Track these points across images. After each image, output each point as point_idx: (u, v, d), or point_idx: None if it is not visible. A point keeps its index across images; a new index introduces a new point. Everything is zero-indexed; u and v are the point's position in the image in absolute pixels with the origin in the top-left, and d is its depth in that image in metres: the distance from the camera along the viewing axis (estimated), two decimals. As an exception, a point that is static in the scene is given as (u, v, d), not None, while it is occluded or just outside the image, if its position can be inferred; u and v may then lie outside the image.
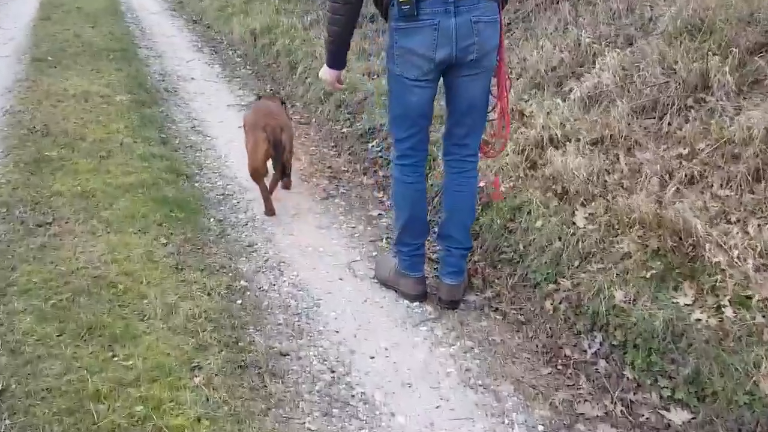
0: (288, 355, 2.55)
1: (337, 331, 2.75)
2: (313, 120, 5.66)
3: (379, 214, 3.90)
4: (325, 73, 2.93)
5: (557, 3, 5.71)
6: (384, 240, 3.58)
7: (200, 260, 3.16)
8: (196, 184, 4.21)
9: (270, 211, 3.79)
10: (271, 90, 6.81)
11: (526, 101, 4.45)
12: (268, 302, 2.92)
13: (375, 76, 5.75)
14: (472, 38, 2.49)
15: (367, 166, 4.57)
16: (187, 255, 3.19)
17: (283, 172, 3.91)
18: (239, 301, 2.88)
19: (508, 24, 5.95)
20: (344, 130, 5.21)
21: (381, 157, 4.57)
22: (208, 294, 2.85)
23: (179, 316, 2.65)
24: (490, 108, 2.81)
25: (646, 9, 4.93)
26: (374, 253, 3.43)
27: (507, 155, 3.72)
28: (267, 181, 3.79)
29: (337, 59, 2.87)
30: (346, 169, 4.65)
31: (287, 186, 4.09)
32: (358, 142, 4.92)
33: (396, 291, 3.04)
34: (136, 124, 5.09)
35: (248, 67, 7.60)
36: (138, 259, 3.06)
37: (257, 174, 3.72)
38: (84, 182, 3.90)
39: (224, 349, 2.51)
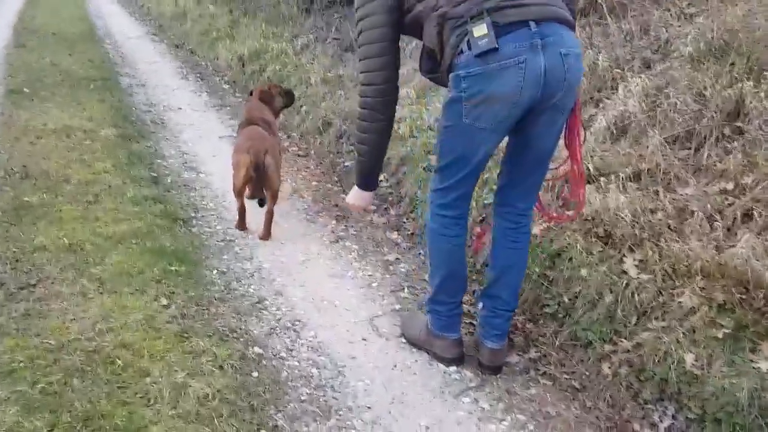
0: (317, 441, 2.22)
1: (369, 407, 2.41)
2: (312, 152, 5.34)
3: (396, 259, 3.59)
4: (355, 197, 2.68)
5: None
6: (406, 290, 3.27)
7: (207, 323, 2.82)
8: (194, 230, 3.86)
9: (241, 227, 3.89)
10: (269, 78, 6.53)
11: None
12: (288, 373, 2.58)
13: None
14: (563, 74, 2.12)
15: (377, 204, 4.25)
16: (192, 318, 2.84)
17: (263, 193, 3.78)
18: (255, 374, 2.53)
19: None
20: (347, 163, 4.90)
21: (391, 194, 4.26)
22: (220, 367, 2.50)
23: (190, 399, 2.30)
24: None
25: (662, 30, 4.69)
26: (397, 306, 3.11)
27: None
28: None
29: (369, 180, 2.62)
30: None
31: (269, 212, 3.83)
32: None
33: (428, 353, 2.71)
34: (124, 162, 4.73)
35: (237, 94, 7.29)
36: (137, 327, 2.71)
37: (238, 193, 3.78)
38: (70, 233, 3.54)
39: (245, 438, 2.17)
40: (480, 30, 2.05)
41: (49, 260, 3.25)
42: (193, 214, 4.09)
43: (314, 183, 4.79)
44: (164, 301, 2.94)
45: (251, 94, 4.38)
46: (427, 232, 2.59)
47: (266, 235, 3.78)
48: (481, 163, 2.36)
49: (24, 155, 4.76)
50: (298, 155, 5.40)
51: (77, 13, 13.31)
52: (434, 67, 2.27)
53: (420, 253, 3.62)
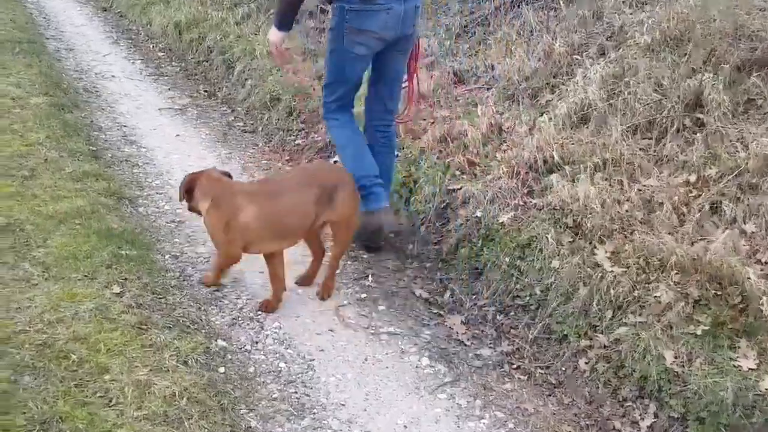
0: (294, 441, 2.12)
1: (344, 404, 2.33)
2: (260, 129, 5.14)
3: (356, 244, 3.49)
4: (273, 34, 3.08)
5: (518, 6, 5.43)
6: (370, 278, 3.18)
7: (166, 314, 2.65)
8: (141, 210, 3.65)
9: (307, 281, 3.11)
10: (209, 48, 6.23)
11: (501, 114, 4.13)
12: (255, 368, 2.46)
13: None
14: (413, 20, 3.01)
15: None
16: (149, 308, 2.67)
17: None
18: (222, 370, 2.41)
19: (465, 27, 5.64)
20: (299, 141, 4.74)
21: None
22: (185, 363, 2.36)
23: (155, 398, 2.15)
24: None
25: (615, 17, 4.71)
26: (362, 295, 3.03)
27: (500, 178, 3.40)
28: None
29: (286, 20, 3.05)
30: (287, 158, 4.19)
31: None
32: (319, 156, 4.47)
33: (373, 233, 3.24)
34: (60, 134, 4.42)
35: (174, 63, 6.95)
36: (90, 317, 2.51)
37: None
38: (6, 211, 3.27)
39: (218, 440, 2.05)
40: None
41: (-16, 242, 2.98)
42: (138, 192, 3.87)
43: (264, 162, 4.61)
44: (117, 289, 2.74)
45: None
46: (330, 134, 3.47)
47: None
48: (357, 81, 3.19)
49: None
50: (245, 131, 5.19)
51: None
52: None
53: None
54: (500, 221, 3.14)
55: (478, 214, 3.21)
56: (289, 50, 3.20)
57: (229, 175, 2.86)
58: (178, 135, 4.90)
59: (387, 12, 2.87)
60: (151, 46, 7.58)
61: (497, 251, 3.01)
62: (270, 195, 2.71)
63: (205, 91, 6.05)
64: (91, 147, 4.38)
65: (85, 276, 2.80)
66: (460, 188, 3.45)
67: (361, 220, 3.06)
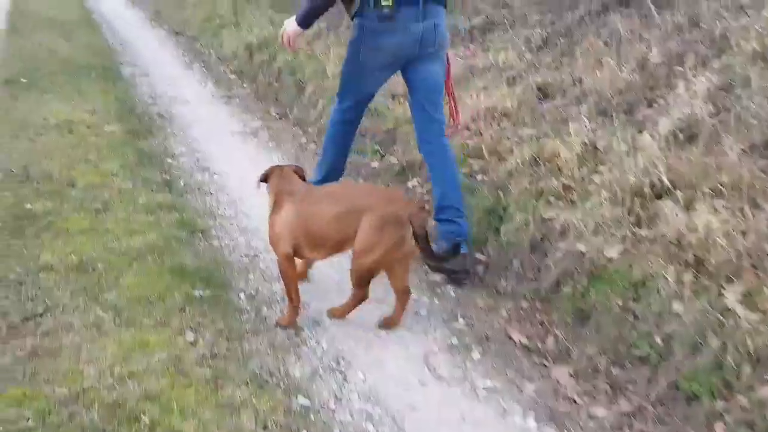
0: None
1: (444, 476, 2.05)
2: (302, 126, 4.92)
3: (443, 280, 3.21)
4: (291, 25, 3.11)
5: (605, 15, 5.08)
6: (461, 319, 2.90)
7: (241, 365, 2.44)
8: (215, 243, 3.48)
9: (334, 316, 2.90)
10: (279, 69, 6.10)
11: (594, 132, 3.79)
12: (340, 430, 2.21)
13: (401, 99, 5.06)
14: (434, 37, 3.03)
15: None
16: (224, 358, 2.46)
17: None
18: (305, 432, 2.16)
19: (546, 38, 5.31)
20: (374, 164, 4.51)
21: (427, 201, 3.88)
22: (264, 427, 2.13)
23: (233, 471, 1.92)
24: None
25: (714, 23, 4.30)
26: (453, 341, 2.75)
27: (601, 205, 3.07)
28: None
29: (308, 20, 3.10)
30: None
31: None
32: (395, 180, 4.23)
33: None
34: (133, 163, 4.33)
35: (245, 85, 6.87)
36: (163, 371, 2.33)
37: (373, 275, 2.74)
38: (79, 248, 3.16)
39: None
40: (387, 1, 2.90)
41: (57, 283, 2.86)
42: (211, 223, 3.71)
43: (340, 187, 4.40)
44: (191, 336, 2.56)
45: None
46: (326, 135, 3.52)
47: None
48: (368, 95, 3.31)
49: (24, 154, 4.35)
50: (318, 153, 4.99)
51: (72, -4, 12.79)
52: (348, 6, 3.06)
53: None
54: (607, 256, 2.80)
55: (581, 248, 2.88)
56: (300, 42, 3.37)
57: (302, 173, 2.93)
58: (250, 159, 4.76)
59: (404, 32, 2.95)
60: (223, 69, 7.54)
61: (606, 291, 2.67)
62: (312, 200, 2.72)
63: (277, 113, 5.92)
64: (164, 175, 4.27)
65: (158, 321, 2.63)
66: (557, 217, 3.13)
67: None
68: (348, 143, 3.50)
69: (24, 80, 6.16)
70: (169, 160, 4.63)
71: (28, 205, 3.59)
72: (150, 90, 6.51)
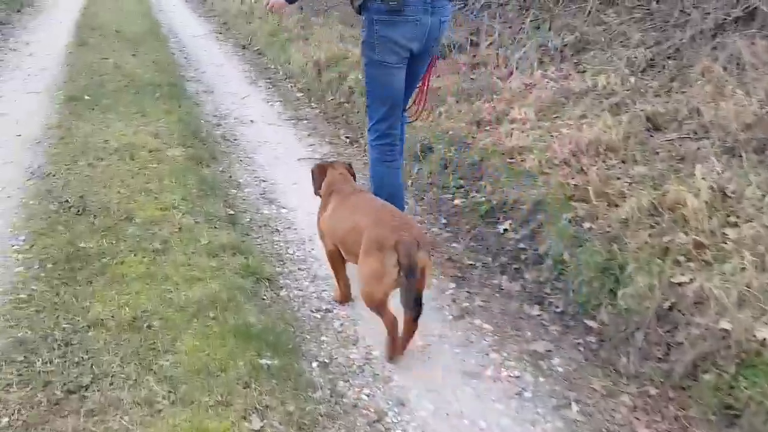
0: None
1: None
2: (410, 183, 4.50)
3: (548, 351, 2.74)
4: None
5: (721, 35, 4.51)
6: (574, 405, 2.41)
7: (317, 465, 2.02)
8: (283, 293, 3.09)
9: (394, 355, 2.63)
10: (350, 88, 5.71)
11: (720, 173, 3.25)
12: None
13: (488, 127, 4.61)
14: (438, 34, 3.05)
15: (505, 262, 3.40)
16: (297, 455, 2.04)
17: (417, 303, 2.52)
18: None
19: (651, 59, 4.77)
20: (457, 201, 4.05)
21: (524, 251, 3.40)
22: None
23: None
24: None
25: None
26: (568, 435, 2.26)
27: (743, 269, 2.54)
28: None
29: None
30: (472, 262, 3.48)
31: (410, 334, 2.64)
32: (483, 222, 3.76)
33: None
34: (196, 194, 3.99)
35: (313, 104, 6.52)
36: (224, 473, 1.92)
37: (380, 304, 2.54)
38: (134, 299, 2.81)
39: None
40: None
41: (107, 344, 2.51)
42: (278, 269, 3.32)
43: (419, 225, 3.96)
44: (256, 423, 2.15)
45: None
46: (370, 163, 3.28)
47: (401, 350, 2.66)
48: (396, 96, 3.13)
49: (82, 182, 4.07)
50: (393, 185, 4.57)
51: (140, 9, 12.78)
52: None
53: (553, 328, 2.77)
54: (759, 337, 2.28)
55: (725, 325, 2.36)
56: (283, 12, 3.20)
57: (351, 169, 3.12)
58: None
59: (415, 23, 2.93)
60: (290, 86, 7.23)
61: (762, 384, 2.15)
62: (345, 205, 2.81)
63: (347, 137, 5.53)
64: (228, 209, 3.92)
65: (218, 402, 2.23)
66: (690, 282, 2.62)
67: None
68: (395, 173, 3.32)
69: (87, 97, 5.96)
70: (234, 191, 4.29)
71: (82, 244, 3.28)
72: (214, 109, 6.23)
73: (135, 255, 3.21)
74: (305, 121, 5.95)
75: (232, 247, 3.37)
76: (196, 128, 5.38)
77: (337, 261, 2.88)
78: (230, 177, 4.52)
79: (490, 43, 6.34)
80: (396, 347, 2.59)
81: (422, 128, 4.88)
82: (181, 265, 3.14)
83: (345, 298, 3.01)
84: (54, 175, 4.18)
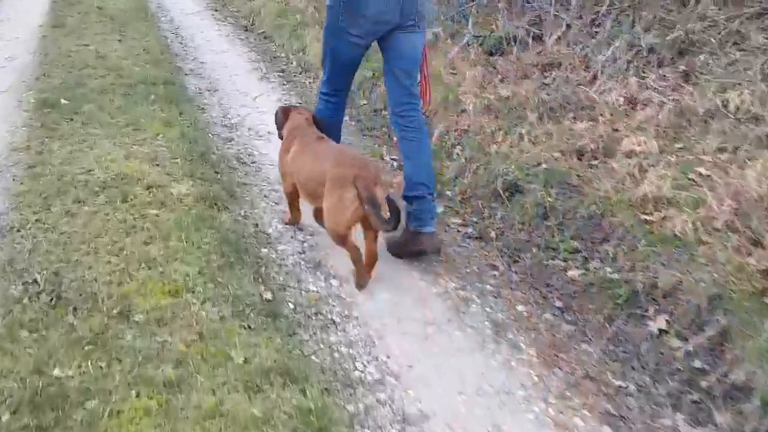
0: None
1: None
2: (491, 234, 3.41)
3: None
4: None
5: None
6: None
7: None
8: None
9: (361, 280, 2.90)
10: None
11: None
12: None
13: (594, 160, 3.52)
14: (415, 7, 2.94)
15: (676, 390, 2.34)
16: None
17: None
18: None
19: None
20: (573, 274, 2.98)
21: (700, 370, 2.35)
22: None
23: None
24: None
25: None
26: None
27: None
28: None
29: None
30: (621, 382, 2.42)
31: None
32: (622, 312, 2.69)
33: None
34: (215, 262, 2.89)
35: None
36: None
37: (343, 237, 2.83)
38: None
39: None
40: None
41: None
42: (350, 405, 2.24)
43: (521, 308, 2.88)
44: None
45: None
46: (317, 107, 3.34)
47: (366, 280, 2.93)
48: (351, 64, 3.17)
49: (57, 245, 2.94)
50: (467, 236, 3.49)
51: (125, -21, 11.37)
52: None
53: None
54: None
55: None
56: None
57: (317, 119, 3.27)
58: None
59: None
60: (308, 83, 6.04)
61: None
62: (311, 150, 3.01)
63: (394, 159, 4.41)
64: (262, 287, 2.82)
65: None
66: None
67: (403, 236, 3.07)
68: (337, 126, 3.42)
69: (65, 101, 4.77)
70: (264, 249, 3.18)
71: (57, 371, 2.17)
72: (223, 115, 5.06)
73: (136, 394, 2.11)
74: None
75: (279, 371, 2.28)
76: (204, 147, 4.23)
77: (295, 198, 3.22)
78: (256, 226, 3.40)
79: (558, 38, 5.21)
80: (362, 274, 2.87)
81: (500, 156, 3.77)
82: (206, 413, 2.04)
83: (295, 221, 3.36)
84: (19, 231, 3.05)
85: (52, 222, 3.13)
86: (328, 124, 3.27)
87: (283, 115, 3.30)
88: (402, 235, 3.08)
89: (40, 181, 3.54)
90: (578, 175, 3.43)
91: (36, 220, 3.14)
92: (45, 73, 5.46)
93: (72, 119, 4.46)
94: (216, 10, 9.37)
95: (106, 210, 3.28)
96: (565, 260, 3.09)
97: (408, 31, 3.00)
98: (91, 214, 3.23)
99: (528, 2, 5.64)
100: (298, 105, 3.62)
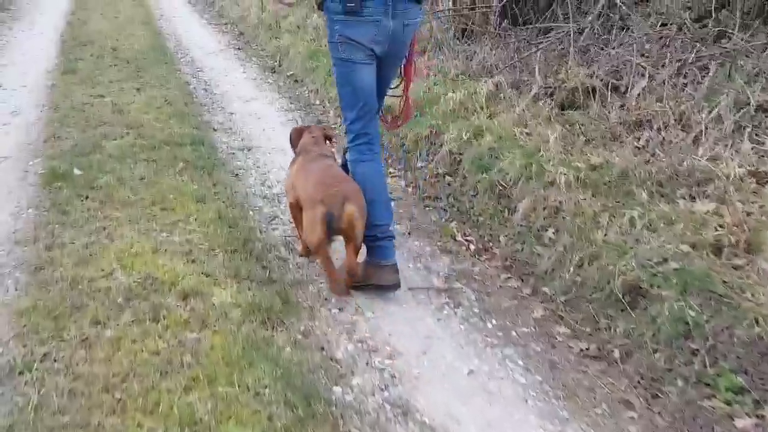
0: None
1: None
2: (620, 359, 2.68)
3: None
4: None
5: None
6: None
7: None
8: None
9: (334, 289, 3.02)
10: (451, 152, 4.04)
11: None
12: None
13: (734, 257, 2.81)
14: (403, 38, 2.94)
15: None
16: None
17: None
18: None
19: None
20: (743, 422, 2.25)
21: None
22: None
23: None
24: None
25: None
26: None
27: None
28: None
29: None
30: None
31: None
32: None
33: (369, 286, 3.00)
34: (281, 422, 2.17)
35: (393, 171, 4.66)
36: None
37: (315, 251, 3.02)
38: None
39: None
40: None
41: None
42: None
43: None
44: None
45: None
46: (350, 165, 3.13)
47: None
48: (368, 94, 3.01)
49: (69, 397, 2.23)
50: (587, 356, 2.77)
51: (138, 15, 10.82)
52: None
53: None
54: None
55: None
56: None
57: (328, 132, 3.46)
58: (471, 396, 2.56)
59: (376, 24, 2.81)
60: (351, 136, 5.33)
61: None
62: (307, 167, 3.15)
63: (467, 238, 3.70)
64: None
65: None
66: None
67: (366, 270, 3.02)
68: (376, 167, 3.15)
69: (78, 172, 4.10)
70: (338, 391, 2.46)
71: None
72: (261, 182, 4.38)
73: None
74: (401, 211, 4.09)
75: None
76: (246, 232, 3.53)
77: (298, 213, 3.14)
78: (322, 350, 2.69)
79: (642, 90, 4.52)
80: (336, 285, 3.03)
81: (610, 246, 3.07)
82: None
83: (306, 251, 3.30)
84: (22, 375, 2.35)
85: (65, 358, 2.43)
86: (369, 173, 3.08)
87: (296, 135, 3.45)
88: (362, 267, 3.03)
89: (49, 291, 2.84)
90: (724, 281, 2.71)
91: (44, 355, 2.44)
92: (55, 134, 4.80)
93: (87, 196, 3.78)
94: (239, 48, 8.78)
95: (133, 335, 2.58)
96: (727, 402, 2.36)
97: (394, 60, 3.08)
98: (114, 342, 2.53)
99: (603, 48, 4.96)
100: (312, 125, 3.76)
